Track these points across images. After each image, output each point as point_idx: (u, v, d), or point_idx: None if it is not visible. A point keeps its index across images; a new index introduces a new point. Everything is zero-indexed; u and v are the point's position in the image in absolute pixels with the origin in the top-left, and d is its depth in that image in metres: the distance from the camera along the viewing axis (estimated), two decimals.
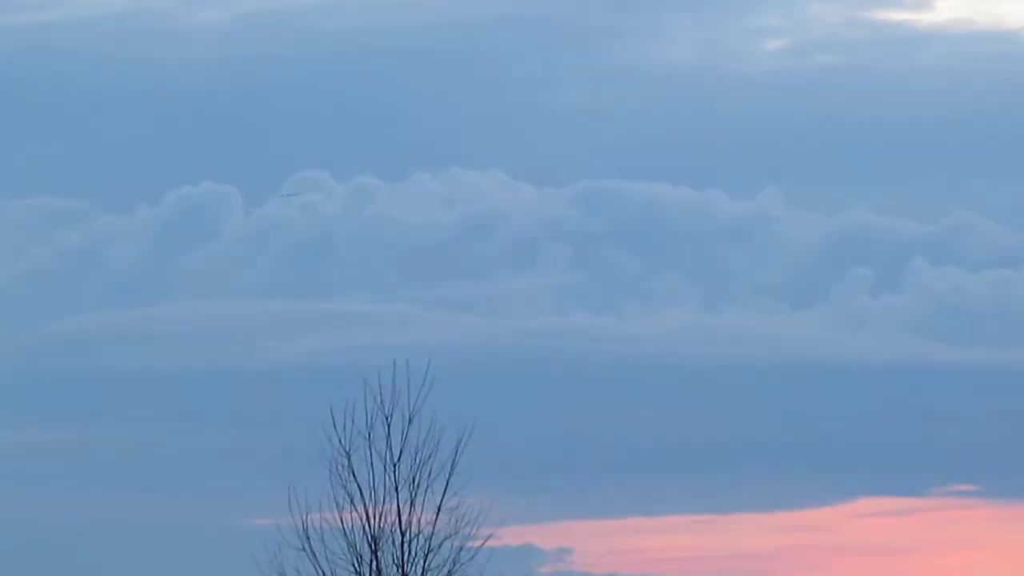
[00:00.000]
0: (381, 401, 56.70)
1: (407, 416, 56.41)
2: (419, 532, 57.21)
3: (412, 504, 56.98)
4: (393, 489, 56.87)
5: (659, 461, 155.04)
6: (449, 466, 56.27)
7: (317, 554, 56.95)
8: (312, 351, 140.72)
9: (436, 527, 57.17)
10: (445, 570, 57.04)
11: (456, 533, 57.11)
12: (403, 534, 57.12)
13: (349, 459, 56.56)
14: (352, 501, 57.01)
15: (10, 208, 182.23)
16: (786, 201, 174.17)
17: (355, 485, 56.78)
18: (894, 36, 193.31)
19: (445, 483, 56.51)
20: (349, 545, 57.09)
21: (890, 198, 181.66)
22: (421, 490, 56.82)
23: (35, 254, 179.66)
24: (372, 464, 56.88)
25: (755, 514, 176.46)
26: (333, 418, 56.80)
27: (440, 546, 57.24)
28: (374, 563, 57.13)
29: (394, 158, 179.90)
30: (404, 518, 57.01)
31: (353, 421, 56.69)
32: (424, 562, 57.13)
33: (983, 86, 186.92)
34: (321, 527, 57.15)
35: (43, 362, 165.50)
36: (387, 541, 57.24)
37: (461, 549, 57.09)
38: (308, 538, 56.98)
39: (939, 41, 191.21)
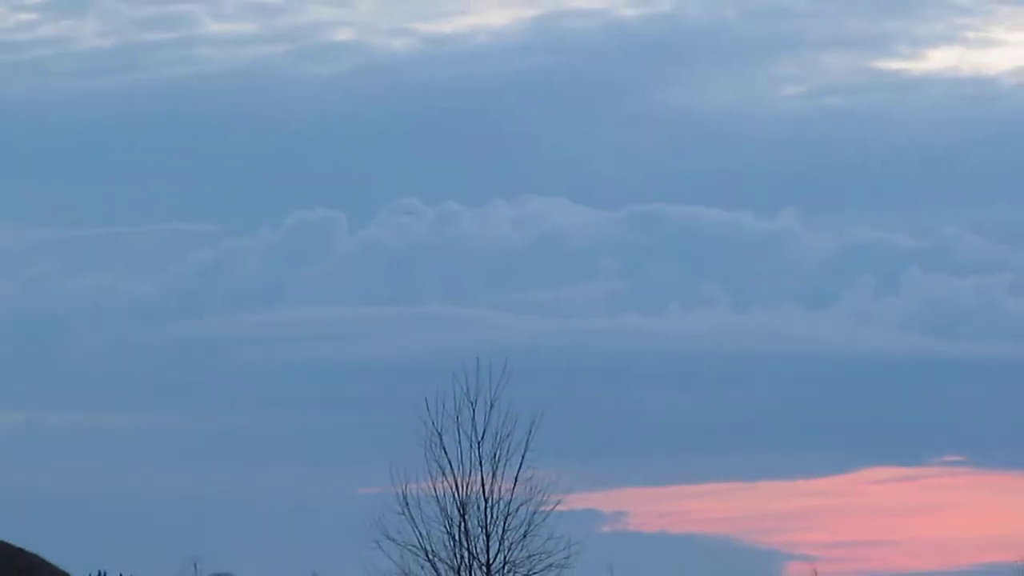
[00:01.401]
0: (467, 390, 56.56)
1: (488, 402, 56.27)
2: (499, 499, 57.02)
3: (493, 475, 56.80)
4: (477, 463, 56.74)
5: (698, 438, 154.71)
6: (524, 443, 56.11)
7: (415, 517, 56.81)
8: (408, 349, 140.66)
9: (514, 494, 56.96)
10: (522, 531, 56.85)
11: (530, 499, 56.92)
12: (486, 501, 56.95)
13: (440, 438, 56.44)
14: (443, 473, 56.90)
15: (156, 231, 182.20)
16: (802, 220, 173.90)
17: (446, 460, 56.67)
18: (892, 82, 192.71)
19: (521, 458, 56.34)
20: (441, 510, 56.97)
21: (889, 217, 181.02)
22: (501, 464, 56.66)
23: (181, 265, 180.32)
24: (460, 442, 56.79)
25: (779, 482, 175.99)
26: (427, 404, 56.73)
27: (517, 510, 57.08)
28: (462, 525, 56.99)
29: (474, 187, 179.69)
30: (487, 487, 56.86)
31: (443, 407, 56.61)
32: (504, 524, 56.96)
33: (967, 123, 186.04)
34: (418, 495, 57.06)
35: (183, 358, 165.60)
36: (473, 507, 57.09)
37: (535, 513, 56.91)
38: (407, 504, 56.83)
39: (930, 86, 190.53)
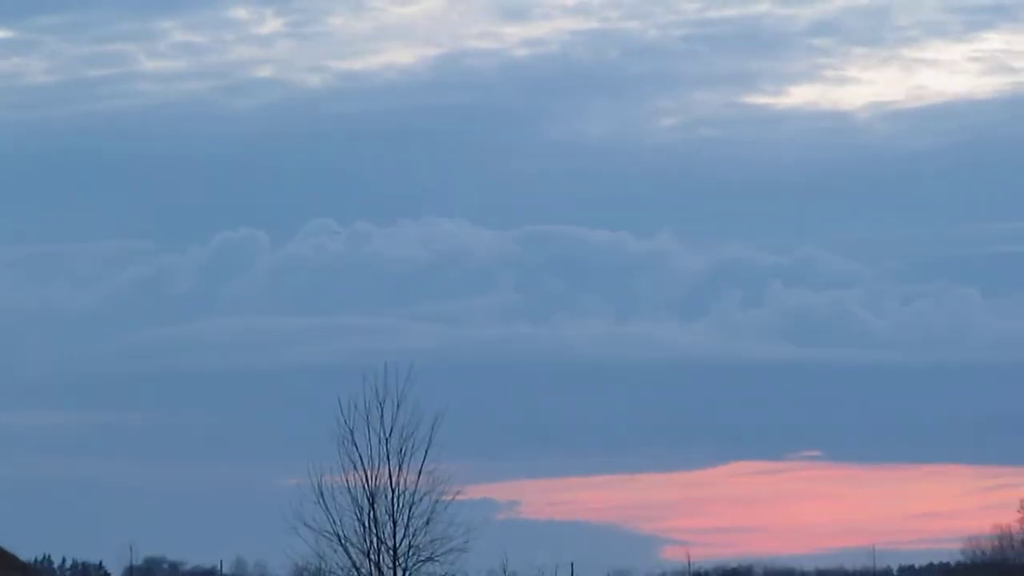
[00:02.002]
0: (376, 392, 56.35)
1: (395, 403, 56.08)
2: (405, 490, 56.82)
3: (400, 468, 56.60)
4: (385, 457, 56.53)
5: (584, 435, 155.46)
6: (427, 440, 55.90)
7: (329, 506, 56.56)
8: (323, 354, 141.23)
9: (418, 486, 56.77)
10: (425, 518, 56.66)
11: (433, 490, 56.72)
12: (393, 491, 56.74)
13: (352, 435, 56.22)
14: (355, 466, 56.65)
15: (97, 248, 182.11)
16: (677, 240, 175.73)
17: (357, 455, 56.45)
18: (758, 116, 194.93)
19: (424, 452, 56.14)
20: (352, 500, 56.72)
21: (755, 237, 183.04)
22: (406, 458, 56.46)
23: (127, 278, 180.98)
24: (370, 439, 56.54)
25: (656, 474, 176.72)
26: (340, 404, 56.49)
27: (421, 500, 56.86)
28: (371, 513, 56.76)
29: (384, 209, 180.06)
30: (394, 479, 56.66)
31: (355, 407, 56.42)
32: (409, 512, 56.79)
33: (826, 152, 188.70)
34: (332, 486, 56.77)
35: (122, 364, 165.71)
36: (381, 496, 56.87)
37: (437, 502, 56.72)
38: (322, 494, 56.57)
39: (792, 119, 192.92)
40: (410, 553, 57.58)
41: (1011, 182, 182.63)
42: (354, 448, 56.89)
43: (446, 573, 61.07)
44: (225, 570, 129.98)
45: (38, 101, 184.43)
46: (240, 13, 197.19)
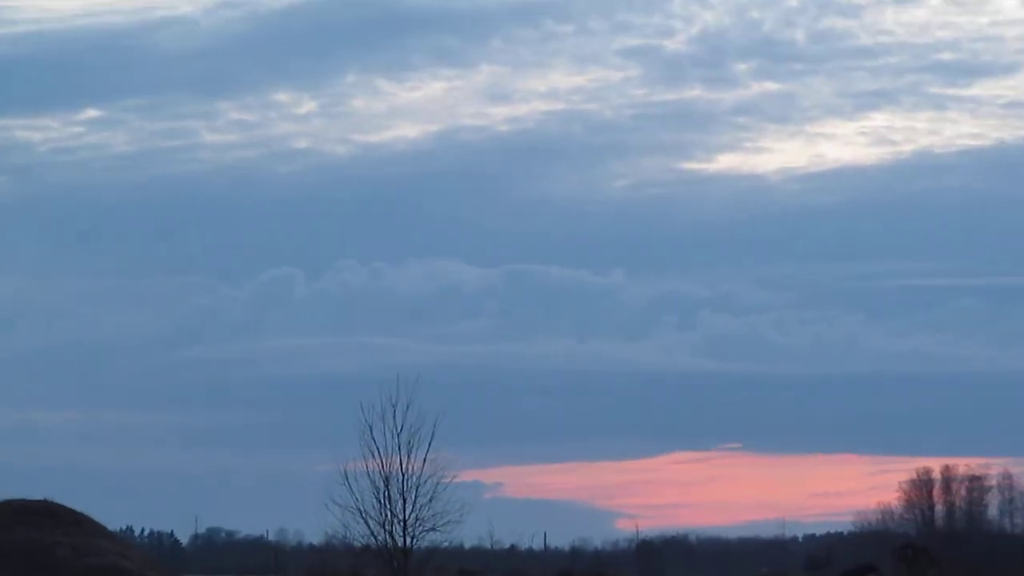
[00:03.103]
0: (390, 397, 56.58)
1: (405, 405, 56.26)
2: (413, 474, 57.00)
3: (408, 457, 56.78)
4: (397, 448, 56.68)
5: (553, 430, 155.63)
6: (430, 435, 56.18)
7: (352, 487, 56.71)
8: (348, 367, 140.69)
9: (423, 471, 56.95)
10: (429, 496, 56.71)
11: (435, 474, 56.85)
12: (403, 475, 56.77)
13: (371, 431, 56.34)
14: (372, 455, 56.87)
15: (170, 283, 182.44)
16: (627, 277, 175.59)
17: (374, 446, 56.58)
18: (692, 178, 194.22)
19: (428, 445, 56.35)
20: (371, 482, 56.87)
21: (689, 274, 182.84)
22: (414, 449, 56.68)
23: (191, 307, 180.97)
24: (385, 434, 56.79)
25: (610, 462, 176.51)
26: (362, 407, 56.73)
27: (425, 482, 57.04)
28: (386, 492, 56.89)
29: (395, 251, 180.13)
30: (404, 465, 56.80)
31: (374, 409, 56.57)
32: (416, 491, 56.85)
33: (744, 207, 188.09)
34: (355, 472, 57.02)
35: (191, 375, 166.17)
36: (393, 479, 56.99)
37: (438, 484, 56.80)
38: (347, 477, 56.74)
39: (719, 180, 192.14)
40: (416, 524, 57.73)
41: (887, 231, 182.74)
42: (372, 441, 57.09)
43: (445, 540, 61.47)
44: (270, 537, 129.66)
45: (122, 166, 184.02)
46: (283, 97, 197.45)
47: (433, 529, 58.50)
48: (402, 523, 57.81)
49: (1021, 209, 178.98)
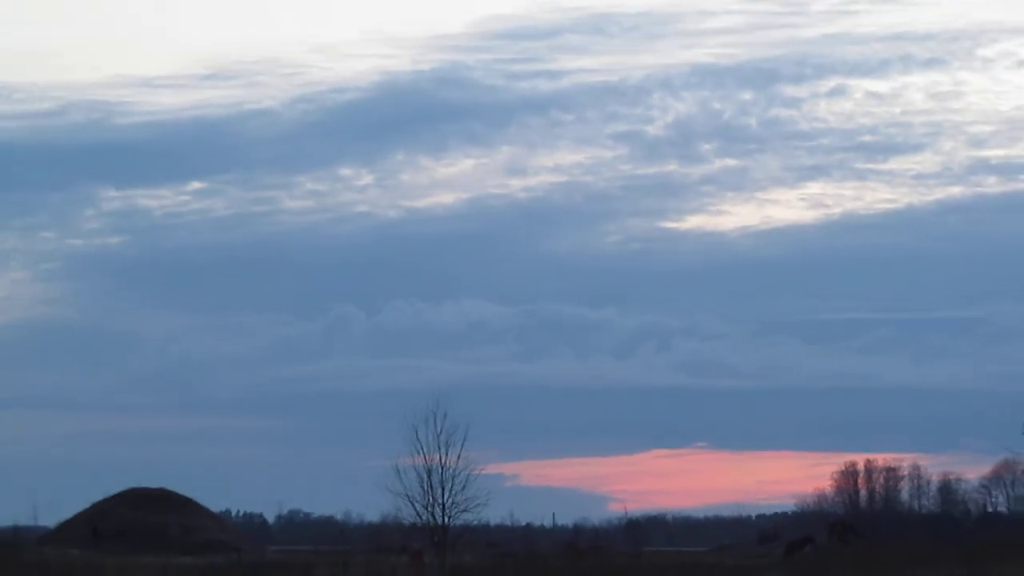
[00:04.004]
0: (432, 406, 56.04)
1: (443, 413, 55.70)
2: (449, 467, 56.40)
3: (446, 454, 56.15)
4: (437, 447, 56.09)
5: (559, 432, 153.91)
6: (462, 436, 55.57)
7: (401, 478, 56.15)
8: (399, 384, 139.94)
9: (457, 464, 56.35)
10: (462, 484, 56.08)
11: (466, 467, 56.22)
12: (442, 468, 56.17)
13: (416, 433, 55.75)
14: (418, 452, 56.31)
15: (260, 319, 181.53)
16: (617, 311, 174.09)
17: (419, 445, 56.00)
18: (667, 235, 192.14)
19: (461, 444, 55.76)
20: (416, 473, 56.32)
21: (666, 309, 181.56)
22: (450, 447, 56.07)
23: (275, 336, 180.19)
24: (427, 435, 56.21)
25: (605, 457, 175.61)
26: (409, 415, 56.26)
27: (459, 473, 56.44)
28: (428, 482, 56.28)
29: (434, 293, 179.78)
30: (442, 460, 56.19)
31: (419, 416, 56.05)
32: (452, 481, 56.27)
33: (709, 258, 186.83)
34: (403, 466, 56.44)
35: (276, 389, 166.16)
36: (434, 471, 56.41)
37: (468, 475, 56.18)
38: (398, 470, 56.14)
39: (689, 237, 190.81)
40: (452, 507, 57.03)
41: (822, 277, 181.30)
42: (417, 441, 56.40)
43: (475, 520, 60.80)
44: (338, 517, 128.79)
45: (220, 227, 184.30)
46: (346, 172, 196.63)
47: (465, 511, 57.83)
48: (441, 506, 57.17)
49: (926, 259, 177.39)
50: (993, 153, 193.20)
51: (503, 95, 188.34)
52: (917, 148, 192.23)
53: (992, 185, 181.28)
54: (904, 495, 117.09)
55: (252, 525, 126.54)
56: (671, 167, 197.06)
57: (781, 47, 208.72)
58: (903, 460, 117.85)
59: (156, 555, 53.41)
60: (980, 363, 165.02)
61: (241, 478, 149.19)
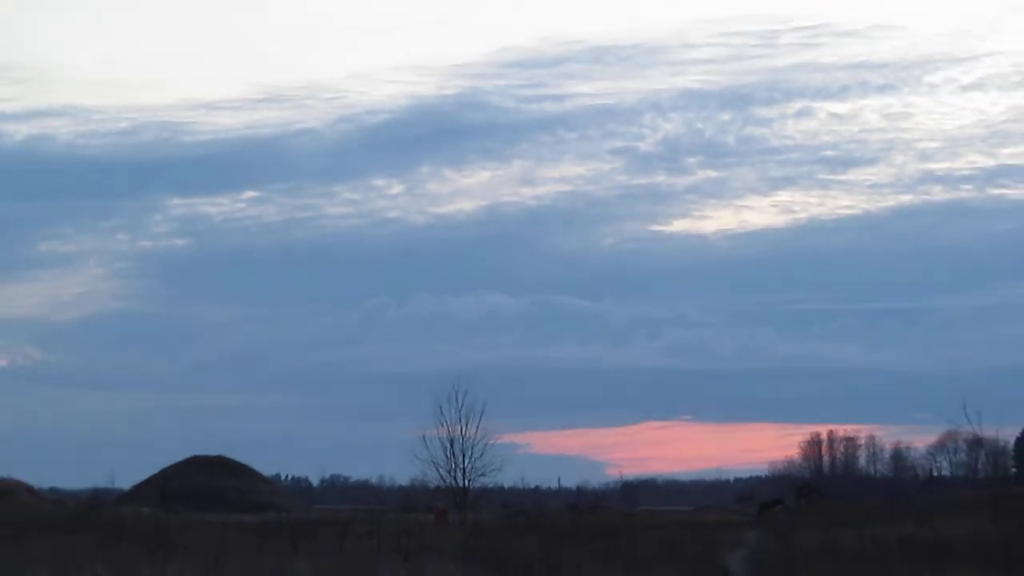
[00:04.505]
0: (453, 387, 56.32)
1: (464, 391, 56.04)
2: (469, 437, 56.66)
3: (466, 425, 56.47)
4: (458, 419, 56.40)
5: (563, 407, 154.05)
6: (481, 410, 55.88)
7: (428, 446, 56.47)
8: (426, 366, 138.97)
9: (476, 435, 56.62)
10: (480, 452, 56.55)
11: (484, 437, 56.59)
12: (463, 438, 56.56)
13: (440, 408, 56.16)
14: (443, 424, 56.60)
15: (303, 311, 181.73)
16: (615, 303, 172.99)
17: (443, 418, 56.40)
18: (657, 236, 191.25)
19: (479, 417, 56.06)
20: (441, 443, 56.63)
21: (655, 301, 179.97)
22: (470, 420, 56.38)
23: (318, 324, 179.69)
24: (450, 410, 56.46)
25: (605, 428, 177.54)
26: (435, 392, 56.56)
27: (477, 443, 56.73)
28: (451, 450, 56.61)
29: (456, 287, 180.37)
30: (463, 431, 56.51)
31: (443, 394, 56.38)
32: (472, 449, 56.63)
33: (692, 256, 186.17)
34: (430, 436, 56.71)
35: (324, 371, 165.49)
36: (456, 441, 56.71)
37: (486, 444, 56.54)
38: (424, 440, 56.53)
39: (676, 238, 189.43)
40: (472, 471, 57.48)
41: (790, 273, 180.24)
42: (441, 415, 56.95)
43: (491, 482, 61.01)
44: (373, 481, 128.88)
45: (271, 230, 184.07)
46: (379, 182, 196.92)
47: (483, 475, 58.35)
48: (462, 471, 57.59)
49: (880, 257, 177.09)
50: (938, 166, 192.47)
51: (515, 116, 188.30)
52: (872, 161, 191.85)
53: (937, 193, 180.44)
54: (861, 461, 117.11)
55: (299, 487, 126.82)
56: (660, 178, 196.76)
57: (755, 75, 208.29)
58: (861, 431, 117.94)
59: (216, 514, 53.55)
60: (927, 348, 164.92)
61: (289, 447, 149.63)
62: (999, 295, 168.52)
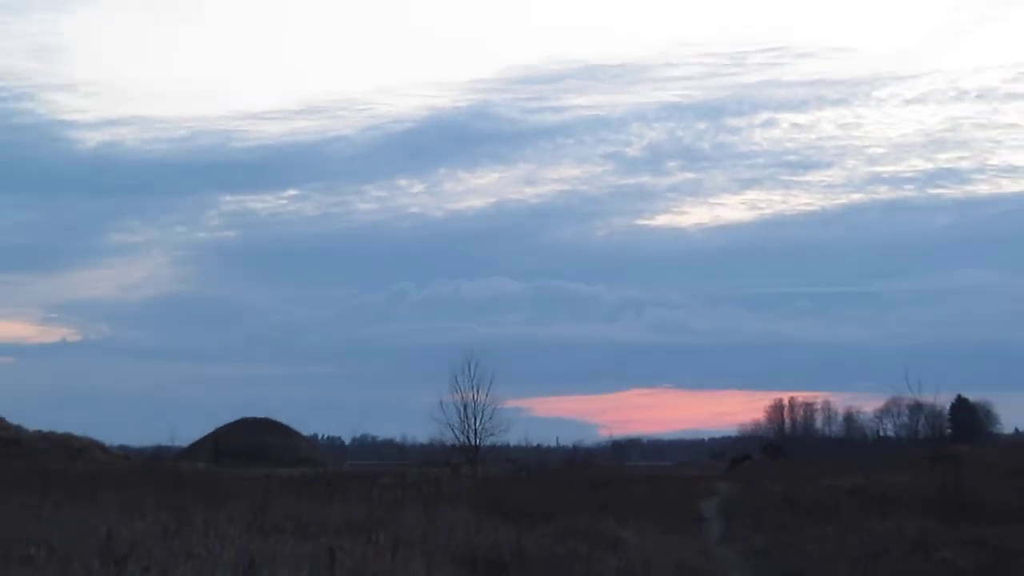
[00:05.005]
0: (467, 358, 56.13)
1: (476, 363, 55.79)
2: (480, 402, 56.50)
3: (478, 392, 56.29)
4: (471, 387, 56.21)
5: (561, 376, 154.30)
6: (490, 379, 55.68)
7: (445, 410, 56.31)
8: (442, 341, 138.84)
9: (486, 400, 56.43)
10: (489, 415, 56.23)
11: (492, 402, 56.34)
12: (474, 403, 56.31)
13: (456, 378, 55.90)
14: (457, 391, 56.44)
15: (338, 295, 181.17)
16: (606, 288, 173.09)
17: (458, 386, 56.09)
18: (644, 229, 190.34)
19: (488, 385, 55.86)
20: (455, 407, 56.48)
21: (640, 285, 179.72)
22: (480, 387, 56.17)
23: (349, 305, 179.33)
24: (465, 379, 56.32)
25: (596, 395, 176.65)
26: (451, 364, 56.36)
27: (487, 407, 56.52)
28: (464, 414, 56.44)
29: (468, 272, 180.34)
30: (475, 397, 56.28)
31: (458, 364, 56.19)
32: (481, 413, 56.42)
33: (673, 245, 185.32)
34: (446, 401, 56.58)
35: (346, 345, 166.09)
36: (469, 405, 56.55)
37: (494, 408, 56.36)
38: (441, 404, 56.34)
39: (659, 231, 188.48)
40: (482, 432, 57.22)
41: (756, 261, 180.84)
42: (456, 383, 56.70)
43: (498, 441, 60.90)
44: (397, 440, 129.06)
45: (309, 224, 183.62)
46: (403, 182, 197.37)
47: (492, 435, 57.93)
48: (474, 431, 57.30)
49: (835, 248, 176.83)
50: (884, 169, 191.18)
51: (520, 125, 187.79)
52: (828, 165, 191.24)
53: (884, 193, 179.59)
54: (818, 423, 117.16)
55: (333, 445, 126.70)
56: (645, 179, 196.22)
57: (727, 90, 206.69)
58: (817, 397, 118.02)
59: (261, 468, 53.64)
60: (875, 325, 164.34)
61: (325, 410, 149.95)
62: (937, 280, 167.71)
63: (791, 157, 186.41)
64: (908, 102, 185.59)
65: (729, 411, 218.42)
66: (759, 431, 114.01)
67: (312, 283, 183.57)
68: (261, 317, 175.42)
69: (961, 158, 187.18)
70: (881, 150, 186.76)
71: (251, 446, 75.47)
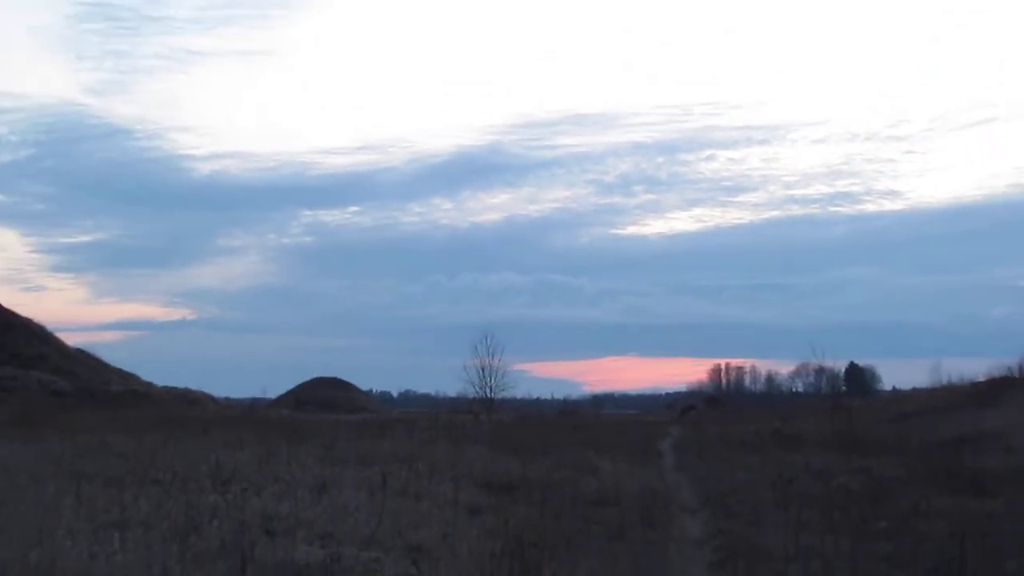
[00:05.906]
0: (484, 332, 56.16)
1: (492, 336, 55.86)
2: (494, 366, 56.55)
3: (492, 357, 56.40)
4: (487, 353, 56.29)
5: (556, 347, 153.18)
6: (501, 349, 55.74)
7: (467, 372, 56.41)
8: (468, 319, 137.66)
9: (499, 364, 56.52)
10: (501, 375, 56.49)
11: (503, 366, 56.50)
12: (491, 366, 56.42)
13: (476, 347, 56.07)
14: (477, 356, 56.42)
15: (381, 283, 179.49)
16: (589, 280, 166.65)
17: (478, 352, 56.23)
18: (617, 237, 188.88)
19: (501, 352, 55.92)
20: (476, 369, 56.54)
21: (620, 280, 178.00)
22: (495, 354, 56.26)
23: (395, 294, 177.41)
24: (482, 348, 56.32)
25: (582, 361, 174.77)
26: (474, 337, 56.42)
27: (499, 369, 56.62)
28: (483, 374, 56.52)
29: (484, 266, 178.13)
30: (491, 362, 56.42)
31: (477, 337, 56.13)
32: (495, 374, 56.54)
33: (641, 250, 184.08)
34: (469, 365, 56.52)
35: (393, 322, 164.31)
36: (486, 368, 56.63)
37: (505, 370, 56.50)
38: (464, 367, 56.45)
39: (630, 239, 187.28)
40: (496, 387, 57.46)
41: (702, 261, 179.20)
42: (477, 351, 56.96)
43: (508, 395, 60.98)
44: (432, 393, 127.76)
45: (367, 232, 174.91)
46: (437, 201, 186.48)
47: (503, 390, 58.50)
48: (490, 387, 57.68)
49: (759, 253, 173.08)
50: (796, 192, 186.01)
51: (524, 159, 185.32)
52: (754, 189, 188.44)
53: (796, 210, 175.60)
54: (747, 383, 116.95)
55: (384, 398, 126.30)
56: (617, 199, 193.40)
57: (680, 132, 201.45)
58: (746, 363, 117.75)
59: (331, 415, 53.81)
60: (789, 309, 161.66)
61: (378, 371, 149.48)
62: (835, 275, 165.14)
63: (727, 183, 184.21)
64: (814, 142, 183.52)
65: (680, 373, 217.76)
66: (703, 388, 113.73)
67: (368, 276, 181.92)
68: (330, 301, 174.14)
69: (853, 184, 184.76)
70: (794, 178, 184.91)
71: (323, 398, 75.69)
